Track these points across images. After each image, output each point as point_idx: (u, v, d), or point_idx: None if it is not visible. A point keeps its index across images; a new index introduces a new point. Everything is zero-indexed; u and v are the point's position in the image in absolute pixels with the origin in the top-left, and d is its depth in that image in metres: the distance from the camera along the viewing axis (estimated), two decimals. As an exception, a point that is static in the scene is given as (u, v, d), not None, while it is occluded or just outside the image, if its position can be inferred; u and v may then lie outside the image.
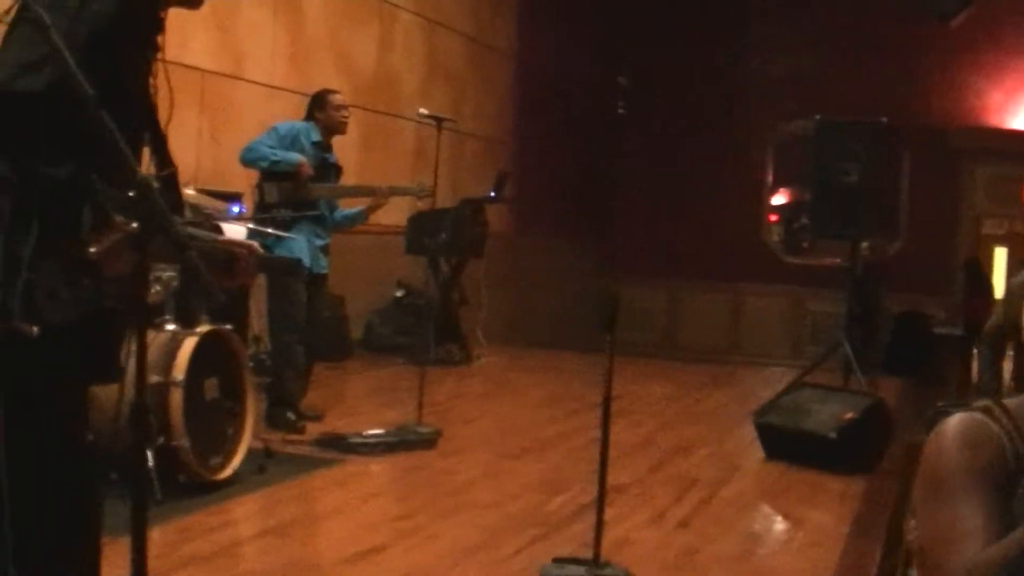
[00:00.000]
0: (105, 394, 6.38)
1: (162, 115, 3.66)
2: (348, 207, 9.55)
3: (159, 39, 3.54)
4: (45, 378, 3.26)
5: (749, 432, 9.57)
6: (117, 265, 3.23)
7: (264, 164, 8.94)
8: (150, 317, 6.80)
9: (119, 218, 3.14)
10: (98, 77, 2.89)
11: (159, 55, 3.55)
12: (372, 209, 9.27)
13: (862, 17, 19.88)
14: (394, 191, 9.40)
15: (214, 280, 3.05)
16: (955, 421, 2.61)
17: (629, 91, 6.33)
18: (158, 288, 6.80)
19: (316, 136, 9.17)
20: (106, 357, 3.49)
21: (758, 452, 9.29)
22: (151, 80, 3.57)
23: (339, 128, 9.33)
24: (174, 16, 3.67)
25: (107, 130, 2.82)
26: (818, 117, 11.16)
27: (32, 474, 3.28)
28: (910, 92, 19.15)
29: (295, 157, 8.89)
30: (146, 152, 3.58)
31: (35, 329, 3.11)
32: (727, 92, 21.18)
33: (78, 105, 2.91)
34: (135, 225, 2.87)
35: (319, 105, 9.31)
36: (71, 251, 3.15)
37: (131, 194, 2.81)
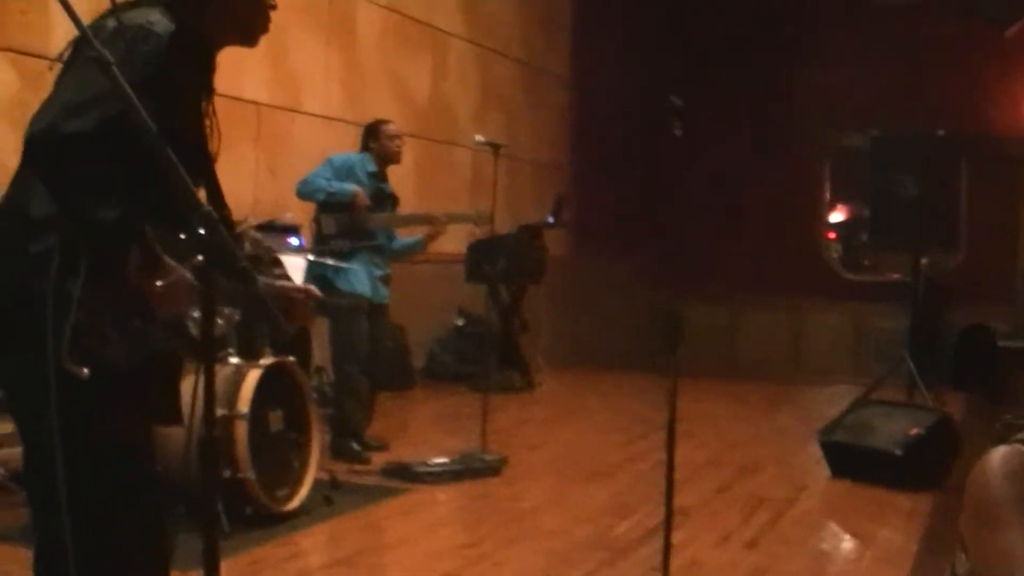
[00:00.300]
0: (173, 429, 6.43)
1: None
2: (407, 236, 9.56)
3: (212, 80, 3.56)
4: (102, 419, 3.27)
5: (814, 450, 9.51)
6: (172, 306, 3.25)
7: (320, 196, 8.98)
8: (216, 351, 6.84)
9: (170, 260, 3.17)
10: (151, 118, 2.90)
11: (212, 96, 3.56)
12: (431, 237, 9.28)
13: (917, 28, 19.77)
14: (452, 218, 9.41)
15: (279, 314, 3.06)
16: (998, 454, 2.62)
17: (683, 111, 6.32)
18: (221, 322, 6.82)
19: (371, 166, 9.20)
20: (165, 400, 3.51)
21: (824, 470, 9.23)
22: (206, 122, 3.58)
23: (394, 157, 9.35)
24: (228, 51, 3.68)
25: (170, 164, 2.83)
26: (875, 131, 11.10)
27: (95, 514, 3.29)
28: (967, 102, 18.99)
29: (350, 188, 8.92)
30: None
31: (85, 371, 3.13)
32: (783, 108, 21.11)
33: (138, 141, 2.93)
34: (200, 258, 2.88)
35: (373, 135, 9.34)
36: (120, 293, 3.16)
37: (198, 229, 2.82)
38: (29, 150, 3.07)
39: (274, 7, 3.62)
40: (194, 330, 3.42)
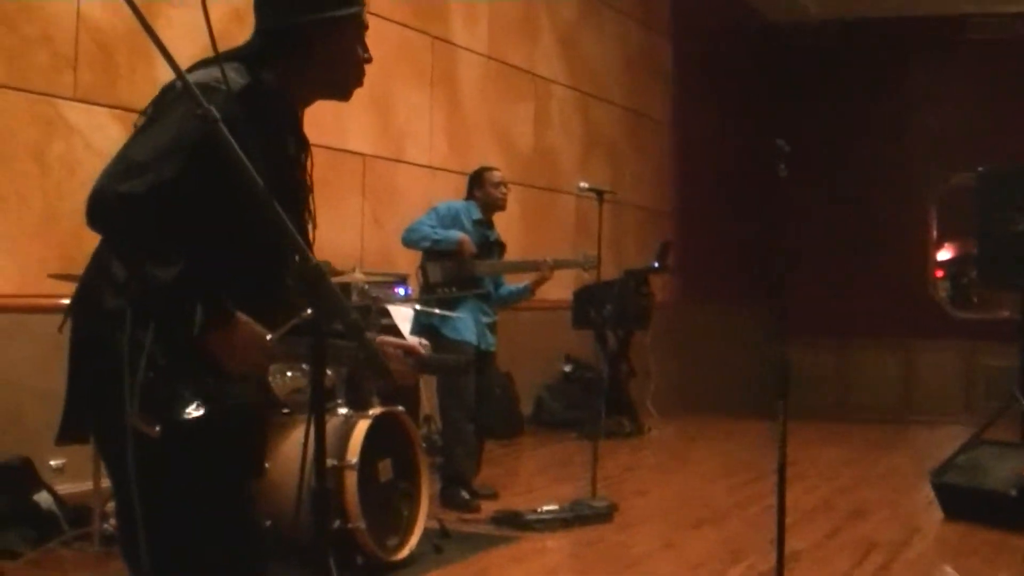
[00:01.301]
0: (283, 480, 6.49)
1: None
2: (513, 283, 9.59)
3: (300, 133, 3.58)
4: (179, 475, 3.29)
5: (927, 493, 9.42)
6: (243, 362, 3.27)
7: (426, 244, 9.01)
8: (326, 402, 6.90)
9: (243, 316, 3.21)
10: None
11: (307, 148, 3.59)
12: (538, 283, 9.29)
13: (1021, 64, 19.63)
14: (559, 264, 9.41)
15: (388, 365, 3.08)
16: None
17: (788, 153, 6.30)
18: (329, 372, 6.88)
19: (476, 214, 9.23)
20: (249, 454, 3.52)
21: (937, 513, 9.13)
22: (302, 175, 3.60)
23: (498, 205, 9.37)
24: (333, 105, 3.72)
25: (279, 218, 2.85)
26: (982, 167, 11.00)
27: (180, 570, 3.32)
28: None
29: (456, 235, 8.95)
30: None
31: (157, 428, 3.15)
32: (888, 148, 20.99)
33: (230, 198, 2.98)
34: (309, 312, 2.91)
35: (478, 183, 9.37)
36: (190, 350, 3.20)
37: (307, 282, 2.84)
38: (88, 207, 3.10)
39: (369, 61, 3.61)
40: (277, 384, 3.47)
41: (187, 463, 3.24)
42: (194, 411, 3.19)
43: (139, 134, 3.19)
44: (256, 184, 2.85)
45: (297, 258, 2.85)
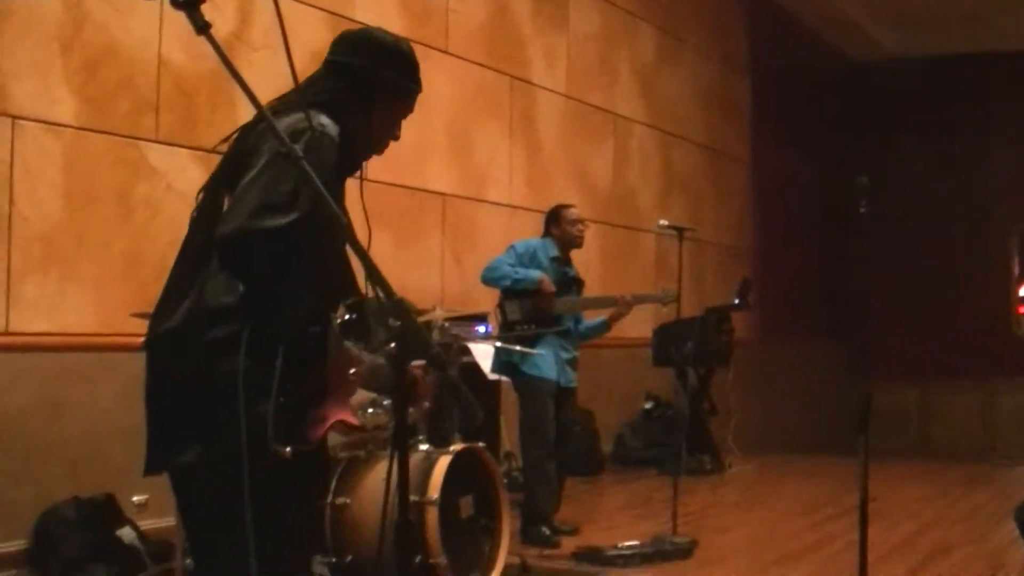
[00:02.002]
0: (365, 515, 6.52)
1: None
2: (591, 319, 9.59)
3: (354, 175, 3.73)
4: (291, 502, 3.37)
5: (1011, 530, 9.30)
6: (348, 390, 3.39)
7: (506, 283, 9.03)
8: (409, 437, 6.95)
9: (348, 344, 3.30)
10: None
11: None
12: (615, 319, 9.30)
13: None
14: (637, 299, 9.41)
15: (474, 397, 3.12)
16: None
17: (869, 190, 6.29)
18: (411, 409, 6.90)
19: (553, 251, 9.24)
20: (324, 478, 3.62)
21: (1020, 549, 9.03)
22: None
23: (575, 242, 9.37)
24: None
25: (364, 255, 2.92)
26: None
27: None
28: None
29: (536, 275, 8.96)
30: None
31: (288, 450, 3.23)
32: (967, 184, 20.87)
33: (323, 235, 3.08)
34: (392, 346, 2.96)
35: (555, 220, 9.39)
36: (315, 378, 3.27)
37: (391, 319, 2.90)
38: (224, 248, 3.19)
39: (397, 138, 3.87)
40: (359, 419, 3.54)
41: (298, 488, 3.34)
42: (315, 435, 3.31)
43: (261, 175, 3.29)
44: (339, 220, 2.94)
45: (382, 294, 2.91)
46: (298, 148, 3.06)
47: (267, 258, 3.19)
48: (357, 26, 3.96)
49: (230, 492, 3.23)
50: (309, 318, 3.25)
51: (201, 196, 3.57)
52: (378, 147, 3.82)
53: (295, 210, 3.18)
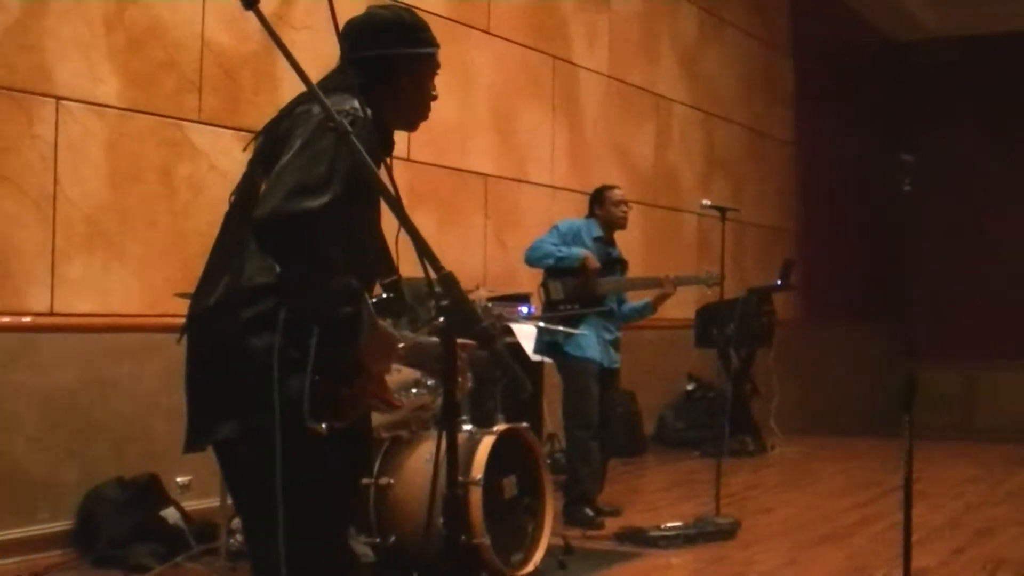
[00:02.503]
0: (409, 496, 6.54)
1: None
2: (634, 300, 9.56)
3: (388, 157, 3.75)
4: (325, 479, 3.41)
5: (1058, 511, 9.29)
6: (383, 362, 3.43)
7: (549, 261, 9.01)
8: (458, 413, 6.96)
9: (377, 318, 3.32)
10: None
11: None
12: (660, 300, 9.27)
13: None
14: (681, 281, 9.37)
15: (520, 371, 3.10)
16: None
17: (914, 168, 6.24)
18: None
19: (597, 231, 9.22)
20: (366, 456, 3.63)
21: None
22: None
23: (618, 223, 9.35)
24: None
25: (412, 230, 2.93)
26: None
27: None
28: None
29: (580, 252, 8.94)
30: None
31: (324, 427, 3.26)
32: (1013, 163, 20.74)
33: (366, 214, 3.10)
34: (441, 320, 2.96)
35: (598, 201, 9.37)
36: (348, 357, 3.30)
37: (437, 290, 2.91)
38: (261, 230, 3.22)
39: (436, 98, 3.87)
40: (401, 400, 3.57)
41: (332, 464, 3.37)
42: (349, 412, 3.36)
43: (296, 157, 3.30)
44: (388, 193, 2.95)
45: (431, 266, 2.92)
46: (339, 120, 3.11)
47: (303, 239, 3.21)
48: (399, 5, 3.95)
49: (266, 466, 3.28)
50: (343, 298, 3.26)
51: (241, 179, 3.61)
52: (421, 113, 3.86)
53: (330, 191, 3.21)
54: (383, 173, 3.51)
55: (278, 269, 3.30)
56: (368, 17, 3.79)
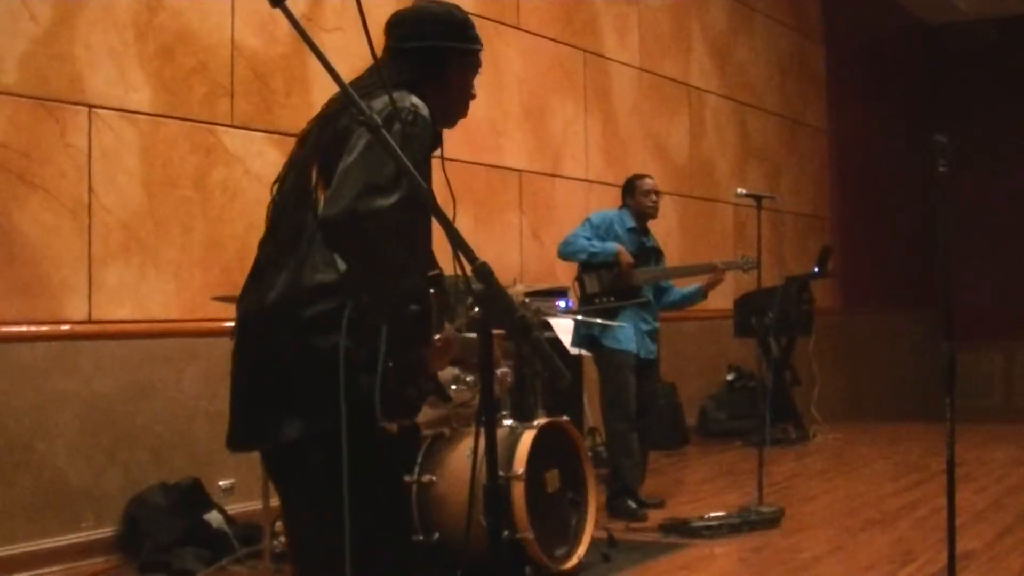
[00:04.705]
0: (451, 492, 6.55)
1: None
2: (681, 286, 9.54)
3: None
4: (390, 477, 3.41)
5: (1103, 491, 9.23)
6: (443, 361, 3.43)
7: (583, 256, 9.00)
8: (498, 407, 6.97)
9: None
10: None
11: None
12: (711, 285, 9.23)
13: None
14: (726, 266, 9.33)
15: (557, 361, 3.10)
16: None
17: (949, 149, 6.20)
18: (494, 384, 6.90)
19: (630, 222, 9.20)
20: (415, 452, 3.65)
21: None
22: None
23: (650, 212, 9.30)
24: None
25: (446, 220, 2.94)
26: None
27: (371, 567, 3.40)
28: None
29: (613, 247, 8.92)
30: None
31: (394, 426, 3.27)
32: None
33: (424, 209, 3.10)
34: (477, 311, 2.96)
35: (629, 191, 9.35)
36: (414, 355, 3.30)
37: (475, 284, 2.90)
38: (332, 229, 3.22)
39: (474, 97, 3.89)
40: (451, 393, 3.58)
41: (396, 463, 3.41)
42: (412, 410, 3.42)
43: (364, 156, 3.29)
44: (421, 187, 2.96)
45: (465, 258, 2.91)
46: (397, 130, 3.22)
47: (375, 238, 3.21)
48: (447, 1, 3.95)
49: (334, 466, 3.26)
50: (412, 296, 3.29)
51: (286, 177, 3.61)
52: (461, 111, 3.86)
53: (399, 190, 3.22)
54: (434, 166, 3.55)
55: (341, 267, 3.31)
56: (419, 9, 3.79)
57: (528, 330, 2.92)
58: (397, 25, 3.72)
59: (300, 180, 3.51)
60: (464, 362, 3.64)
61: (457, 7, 3.85)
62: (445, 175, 3.62)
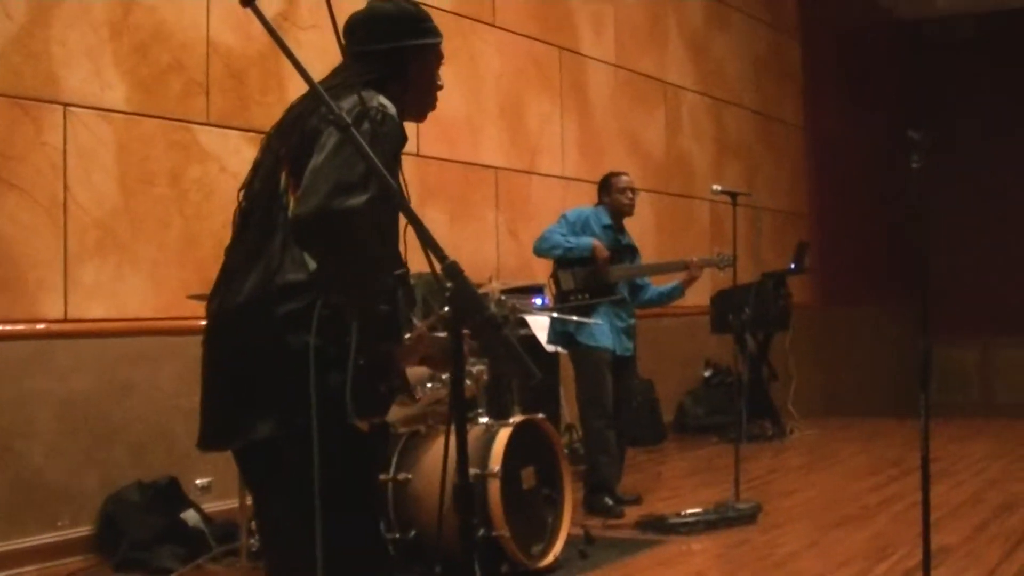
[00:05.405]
0: (426, 490, 6.55)
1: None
2: (660, 284, 9.56)
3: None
4: (360, 476, 3.42)
5: (1079, 485, 9.27)
6: (413, 360, 3.44)
7: (558, 252, 9.01)
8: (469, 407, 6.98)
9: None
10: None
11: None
12: (688, 282, 9.25)
13: None
14: (703, 263, 9.35)
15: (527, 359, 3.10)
16: None
17: (922, 145, 6.22)
18: (469, 382, 6.92)
19: (606, 219, 9.20)
20: (385, 451, 3.65)
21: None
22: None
23: (625, 210, 9.30)
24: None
25: (419, 225, 2.94)
26: None
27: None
28: None
29: (589, 242, 8.93)
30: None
31: (365, 425, 3.28)
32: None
33: (394, 208, 3.12)
34: (446, 309, 2.96)
35: (606, 188, 9.35)
36: (384, 353, 3.30)
37: (447, 282, 2.90)
38: (303, 228, 3.23)
39: (441, 87, 3.88)
40: (419, 393, 3.58)
41: (365, 461, 3.42)
42: (384, 407, 3.42)
43: (334, 155, 3.29)
44: (392, 186, 2.97)
45: (435, 257, 2.92)
46: (367, 129, 3.22)
47: (346, 237, 3.21)
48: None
49: (306, 464, 3.26)
50: (382, 295, 3.30)
51: (252, 182, 3.61)
52: (430, 103, 3.88)
53: (370, 189, 3.21)
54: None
55: (311, 266, 3.31)
56: (371, 11, 3.78)
57: (497, 328, 2.93)
58: (352, 31, 3.72)
59: (269, 183, 3.51)
60: (434, 360, 3.63)
61: (408, 2, 3.84)
62: (401, 172, 3.63)
